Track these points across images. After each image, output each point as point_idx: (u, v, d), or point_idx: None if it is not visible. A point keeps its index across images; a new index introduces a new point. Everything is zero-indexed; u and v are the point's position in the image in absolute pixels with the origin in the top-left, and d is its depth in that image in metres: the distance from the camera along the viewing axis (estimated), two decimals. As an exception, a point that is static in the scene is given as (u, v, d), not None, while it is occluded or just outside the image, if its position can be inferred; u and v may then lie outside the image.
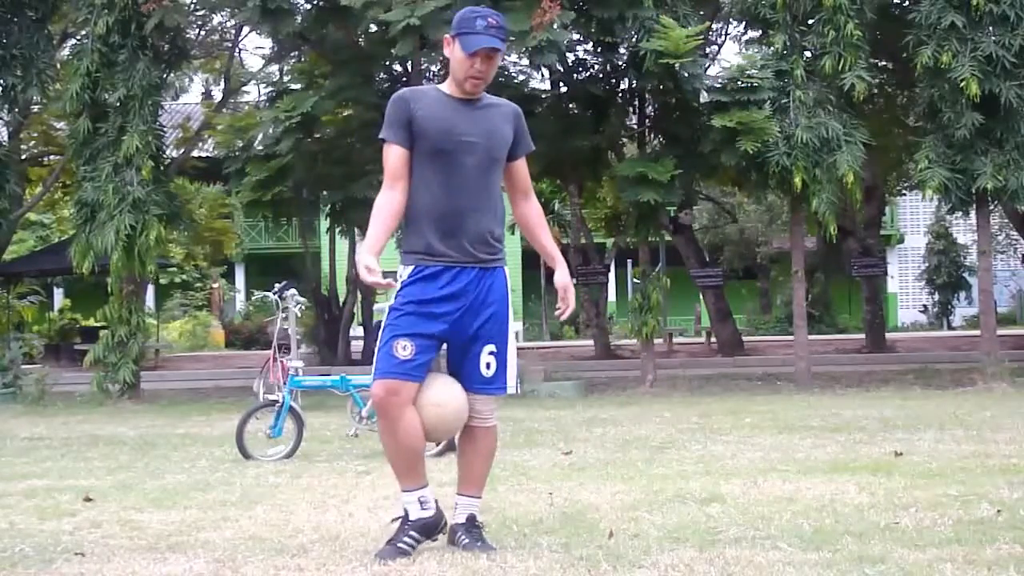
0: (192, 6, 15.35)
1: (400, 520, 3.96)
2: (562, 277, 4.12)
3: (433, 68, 15.66)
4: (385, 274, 3.96)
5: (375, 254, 3.90)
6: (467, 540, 3.97)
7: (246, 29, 17.07)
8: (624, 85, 14.71)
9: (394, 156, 3.92)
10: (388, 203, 3.93)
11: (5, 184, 14.79)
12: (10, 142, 16.94)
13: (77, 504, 5.41)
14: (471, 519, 4.03)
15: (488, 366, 3.93)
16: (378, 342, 3.91)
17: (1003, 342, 14.48)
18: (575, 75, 15.06)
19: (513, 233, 24.22)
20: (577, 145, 13.83)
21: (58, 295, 29.70)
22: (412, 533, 3.92)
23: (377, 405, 3.90)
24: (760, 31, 14.29)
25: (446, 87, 4.01)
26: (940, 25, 12.24)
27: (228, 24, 18.32)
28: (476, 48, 3.85)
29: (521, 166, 4.11)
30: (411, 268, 3.95)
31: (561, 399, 12.39)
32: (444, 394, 3.91)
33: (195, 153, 18.97)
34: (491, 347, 3.94)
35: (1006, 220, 23.30)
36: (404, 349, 3.84)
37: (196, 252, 27.95)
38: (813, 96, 12.78)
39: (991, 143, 12.51)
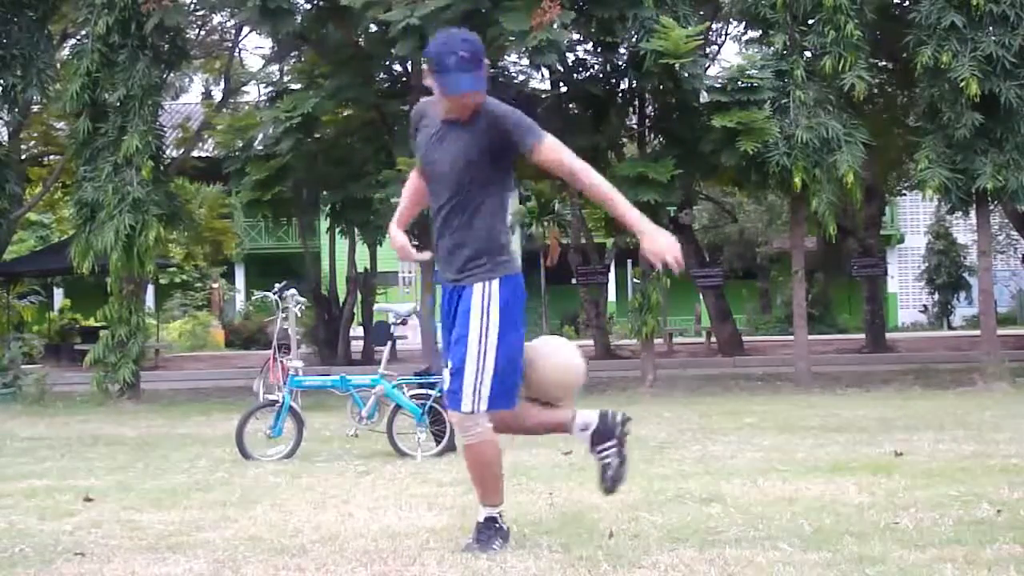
0: (192, 6, 15.34)
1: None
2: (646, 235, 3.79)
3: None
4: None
5: (398, 224, 4.32)
6: (471, 539, 4.00)
7: (246, 29, 17.09)
8: (624, 85, 14.70)
9: (417, 160, 4.21)
10: (409, 182, 4.31)
11: (5, 184, 14.78)
12: (10, 142, 16.95)
13: (77, 504, 5.41)
14: (490, 520, 4.01)
15: (446, 381, 3.97)
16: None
17: (1003, 342, 14.47)
18: (575, 75, 15.05)
19: (514, 232, 24.30)
20: (577, 145, 13.60)
21: (58, 295, 29.70)
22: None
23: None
24: (760, 31, 14.28)
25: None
26: (940, 25, 12.23)
27: (228, 24, 18.35)
28: (454, 93, 3.80)
29: (537, 157, 3.83)
30: None
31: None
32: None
33: (195, 153, 18.99)
34: (448, 363, 3.95)
35: (1006, 220, 23.30)
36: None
37: (196, 252, 27.97)
38: (813, 96, 12.77)
39: (991, 143, 12.49)
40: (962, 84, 12.03)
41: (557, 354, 4.24)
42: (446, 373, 3.97)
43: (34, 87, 14.29)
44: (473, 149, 3.88)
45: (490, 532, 3.99)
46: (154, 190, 13.30)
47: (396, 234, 4.28)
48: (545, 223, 25.91)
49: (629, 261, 27.18)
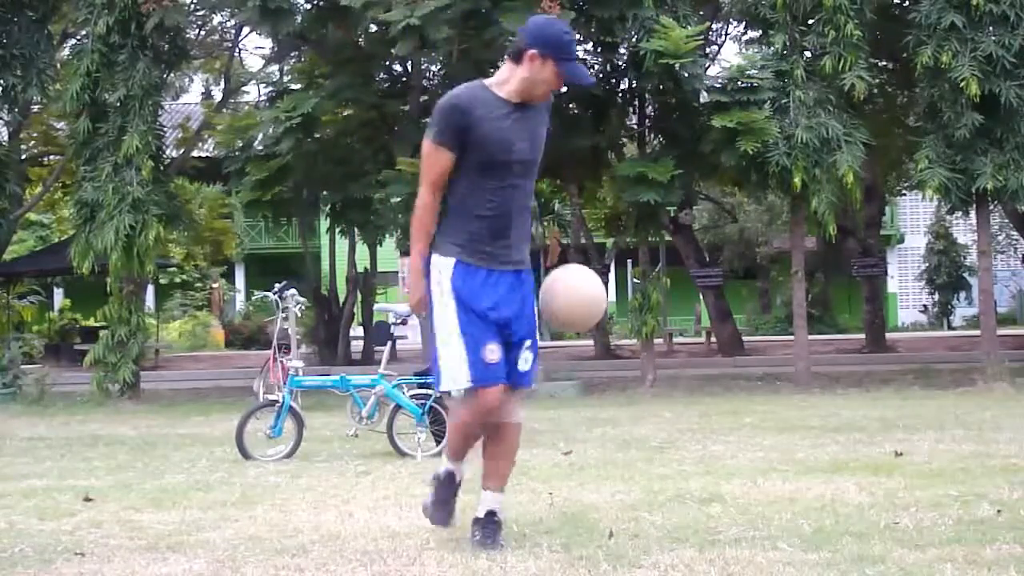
0: (192, 6, 15.35)
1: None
2: None
3: (433, 68, 15.66)
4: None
5: (422, 255, 3.95)
6: (479, 537, 4.00)
7: (246, 29, 17.08)
8: (624, 85, 14.70)
9: (444, 162, 3.86)
10: (432, 213, 3.93)
11: (5, 184, 14.78)
12: (10, 142, 16.93)
13: (77, 504, 5.41)
14: (490, 515, 4.03)
15: (526, 361, 4.00)
16: (448, 346, 3.87)
17: (1003, 342, 14.47)
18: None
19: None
20: (577, 145, 13.81)
21: (58, 295, 29.71)
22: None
23: (485, 412, 3.91)
24: (760, 31, 14.29)
25: (498, 88, 3.90)
26: (940, 25, 12.24)
27: (228, 24, 18.34)
28: (584, 81, 3.89)
29: None
30: (452, 261, 3.91)
31: (561, 399, 12.39)
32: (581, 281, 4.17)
33: (195, 153, 18.97)
34: (528, 342, 4.01)
35: (1006, 220, 23.31)
36: (493, 353, 3.86)
37: (196, 252, 27.97)
38: (813, 96, 12.77)
39: (991, 143, 12.50)
40: (962, 84, 12.03)
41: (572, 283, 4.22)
42: (495, 351, 3.87)
43: (34, 87, 14.29)
44: (544, 128, 4.07)
45: (494, 526, 4.01)
46: (154, 190, 13.30)
47: (421, 280, 3.97)
48: (545, 223, 25.92)
49: (629, 261, 27.17)
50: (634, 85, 14.15)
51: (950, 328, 29.63)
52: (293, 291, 7.78)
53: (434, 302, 3.93)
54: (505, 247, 3.95)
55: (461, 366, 3.83)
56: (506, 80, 3.89)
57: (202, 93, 31.10)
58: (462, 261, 3.91)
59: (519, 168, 3.92)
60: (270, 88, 16.51)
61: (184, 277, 29.74)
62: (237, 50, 19.59)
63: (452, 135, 3.82)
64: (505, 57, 4.07)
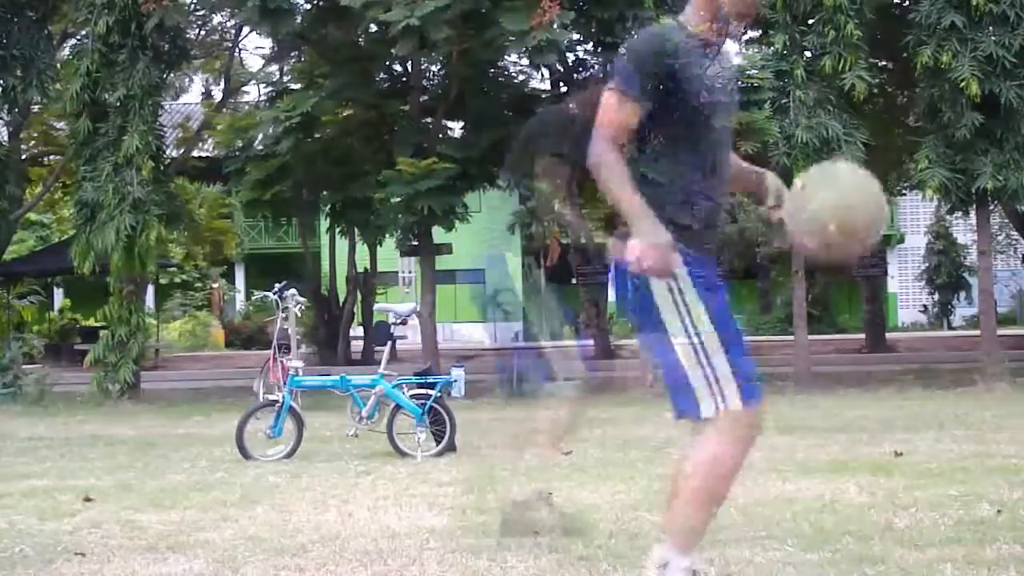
0: (192, 6, 15.35)
1: None
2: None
3: (433, 68, 15.65)
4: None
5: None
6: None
7: (246, 29, 17.09)
8: (624, 85, 14.68)
9: (633, 113, 3.16)
10: (624, 166, 3.17)
11: (5, 184, 14.80)
12: (10, 142, 16.95)
13: (77, 504, 5.40)
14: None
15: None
16: (701, 355, 2.94)
17: (1003, 342, 14.46)
18: (575, 75, 15.06)
19: (514, 232, 24.26)
20: (577, 145, 13.79)
21: (58, 295, 29.71)
22: None
23: (751, 434, 3.00)
24: (760, 31, 14.29)
25: (691, 23, 3.13)
26: (940, 25, 12.24)
27: (228, 24, 18.35)
28: None
29: None
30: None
31: (561, 399, 12.36)
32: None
33: (195, 153, 18.99)
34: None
35: (1006, 220, 23.30)
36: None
37: (196, 252, 27.98)
38: (813, 96, 12.76)
39: (991, 143, 12.49)
40: (962, 84, 12.03)
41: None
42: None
43: (34, 87, 14.30)
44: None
45: None
46: (154, 190, 13.30)
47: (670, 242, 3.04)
48: (545, 223, 25.90)
49: (629, 261, 27.16)
50: (634, 85, 14.14)
51: (950, 328, 29.63)
52: (293, 291, 7.79)
53: (660, 298, 3.00)
54: (713, 230, 3.33)
55: (730, 380, 2.92)
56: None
57: (202, 93, 31.04)
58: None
59: (721, 124, 3.34)
60: (270, 88, 16.52)
61: (184, 277, 29.75)
62: (237, 50, 19.60)
63: (642, 81, 3.21)
64: None
